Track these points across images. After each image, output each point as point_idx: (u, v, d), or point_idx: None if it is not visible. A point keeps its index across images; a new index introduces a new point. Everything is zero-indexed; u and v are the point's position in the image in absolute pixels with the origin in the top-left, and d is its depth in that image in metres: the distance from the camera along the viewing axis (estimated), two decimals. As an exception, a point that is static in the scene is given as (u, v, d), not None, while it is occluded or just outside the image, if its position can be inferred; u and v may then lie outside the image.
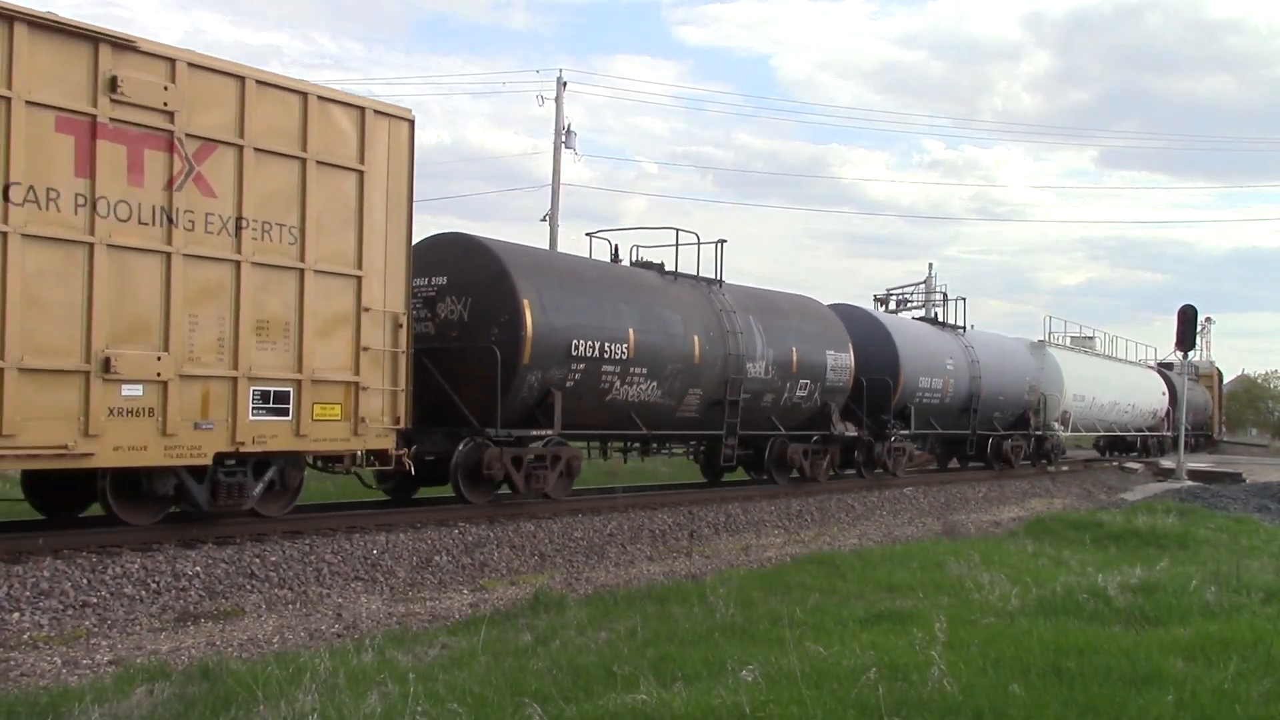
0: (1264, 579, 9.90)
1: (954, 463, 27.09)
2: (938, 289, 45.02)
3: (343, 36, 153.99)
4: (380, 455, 12.09)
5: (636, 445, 17.32)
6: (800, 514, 17.68)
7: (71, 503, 11.64)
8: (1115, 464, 33.95)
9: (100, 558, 9.94)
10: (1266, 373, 79.57)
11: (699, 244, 17.50)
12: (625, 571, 12.60)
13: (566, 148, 35.12)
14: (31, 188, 9.31)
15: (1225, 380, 64.47)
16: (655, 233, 16.68)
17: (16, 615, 8.74)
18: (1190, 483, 27.78)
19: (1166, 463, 33.45)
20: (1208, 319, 71.29)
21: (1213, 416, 50.30)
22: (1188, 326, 31.20)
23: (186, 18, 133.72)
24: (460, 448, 13.42)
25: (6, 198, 9.15)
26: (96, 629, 8.84)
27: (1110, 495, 26.11)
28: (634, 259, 17.38)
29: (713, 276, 17.71)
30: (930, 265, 49.29)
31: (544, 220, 34.97)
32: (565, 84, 35.36)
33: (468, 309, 13.84)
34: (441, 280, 13.86)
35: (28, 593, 9.00)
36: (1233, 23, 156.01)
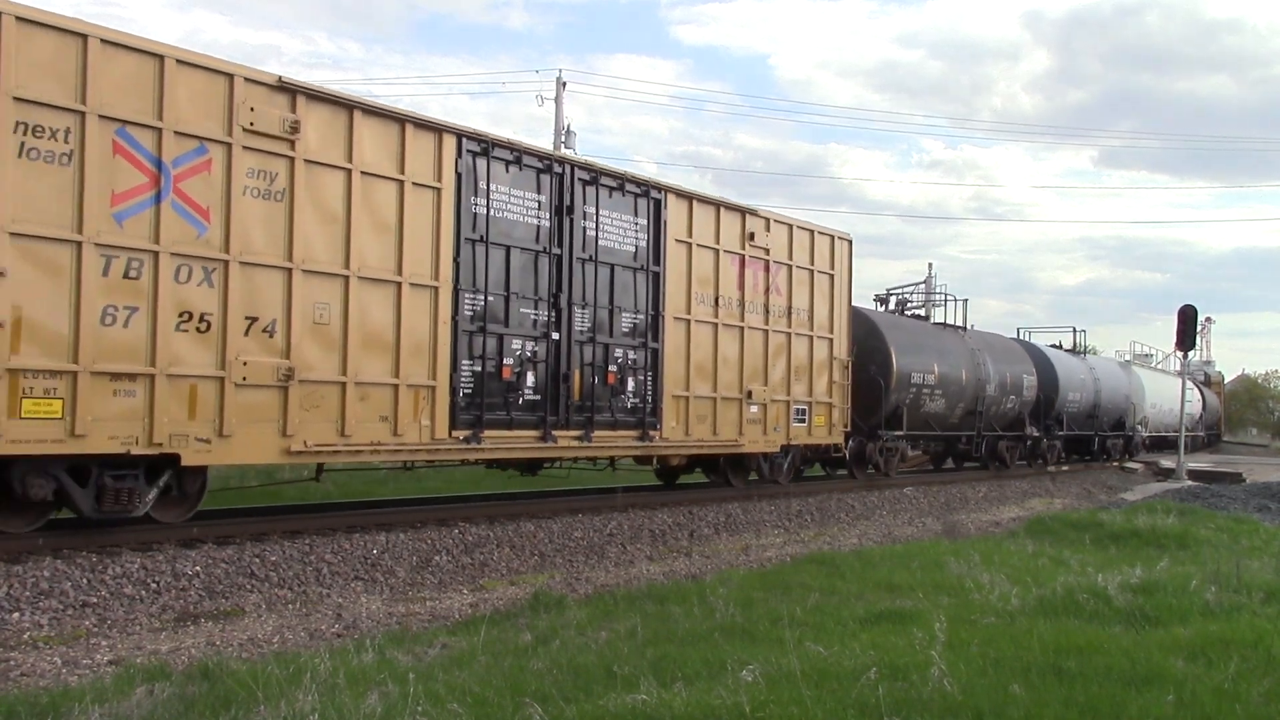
0: (1264, 579, 9.89)
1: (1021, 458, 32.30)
2: (937, 289, 45.40)
3: (341, 37, 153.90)
4: (836, 447, 19.63)
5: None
6: (800, 514, 17.68)
7: (677, 475, 18.54)
8: (1115, 464, 33.99)
9: (100, 558, 9.95)
10: (1266, 373, 79.68)
11: (958, 300, 26.21)
12: (625, 571, 12.60)
13: (566, 148, 35.16)
14: (722, 297, 16.68)
15: (1225, 380, 65.19)
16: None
17: (16, 615, 8.74)
18: (1190, 483, 27.76)
19: (1166, 462, 33.43)
20: (1208, 319, 71.51)
21: (1220, 418, 52.43)
22: (1188, 326, 31.16)
23: (185, 17, 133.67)
24: (849, 443, 20.34)
25: (717, 303, 16.52)
26: (96, 629, 8.84)
27: (1110, 495, 26.10)
28: (887, 308, 24.98)
29: (961, 324, 25.75)
30: (930, 265, 49.57)
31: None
32: (565, 84, 35.42)
33: (853, 354, 20.27)
34: None
35: (28, 593, 9.01)
36: (1231, 22, 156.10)
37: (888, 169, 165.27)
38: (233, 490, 17.14)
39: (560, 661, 6.94)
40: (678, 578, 11.85)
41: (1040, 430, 28.27)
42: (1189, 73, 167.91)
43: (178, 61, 10.26)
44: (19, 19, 9.22)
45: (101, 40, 9.73)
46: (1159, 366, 44.48)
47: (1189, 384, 43.63)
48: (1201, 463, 35.92)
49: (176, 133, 10.23)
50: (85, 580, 9.42)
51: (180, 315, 10.29)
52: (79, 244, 9.58)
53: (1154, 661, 6.74)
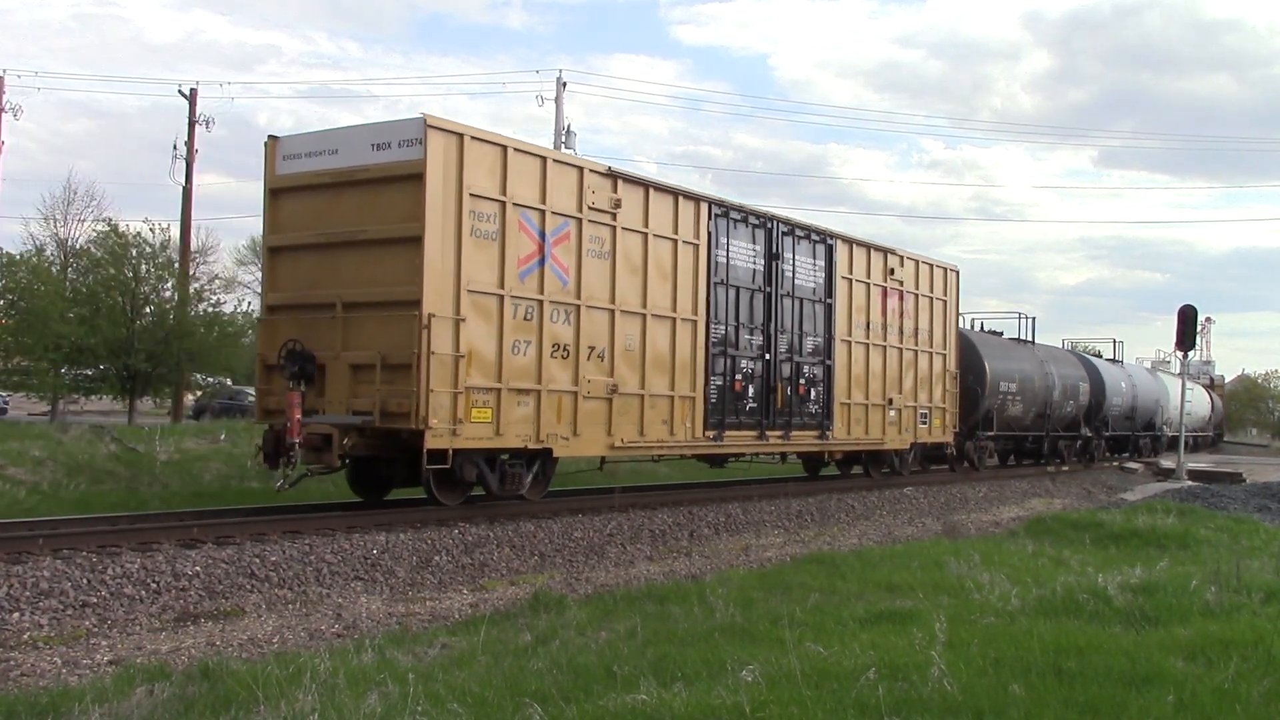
0: (1264, 579, 9.87)
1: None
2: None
3: (340, 37, 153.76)
4: (948, 444, 23.81)
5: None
6: (800, 514, 17.67)
7: (819, 467, 22.38)
8: (1116, 464, 33.97)
9: (100, 558, 9.95)
10: (1266, 373, 79.54)
11: (1028, 318, 30.59)
12: (625, 571, 12.60)
13: (566, 148, 35.12)
14: (871, 322, 20.51)
15: (1225, 382, 65.78)
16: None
17: (16, 615, 8.74)
18: (1190, 483, 27.72)
19: (1166, 462, 33.39)
20: (1208, 319, 71.50)
21: (1223, 419, 53.69)
22: (1188, 326, 31.12)
23: (185, 17, 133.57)
24: (951, 440, 24.06)
25: (868, 327, 20.37)
26: (96, 629, 8.84)
27: (1110, 495, 26.08)
28: (970, 326, 28.54)
29: (1030, 339, 30.06)
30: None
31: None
32: (565, 84, 35.40)
33: (959, 366, 24.39)
34: None
35: (28, 593, 9.00)
36: (1231, 22, 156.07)
37: (888, 169, 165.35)
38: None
39: (560, 661, 6.93)
40: (678, 578, 11.84)
41: (1091, 430, 32.21)
42: (1189, 73, 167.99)
43: (554, 160, 14.17)
44: (472, 138, 12.90)
45: (514, 149, 13.44)
46: (1176, 372, 47.39)
47: (1200, 387, 48.73)
48: (1201, 463, 35.88)
49: (552, 212, 13.91)
50: (85, 580, 9.41)
51: (553, 346, 13.94)
52: (501, 296, 13.23)
53: (1154, 661, 6.73)
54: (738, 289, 17.16)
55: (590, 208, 14.42)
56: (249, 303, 43.63)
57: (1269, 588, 9.30)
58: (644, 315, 15.31)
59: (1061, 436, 30.51)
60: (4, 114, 36.60)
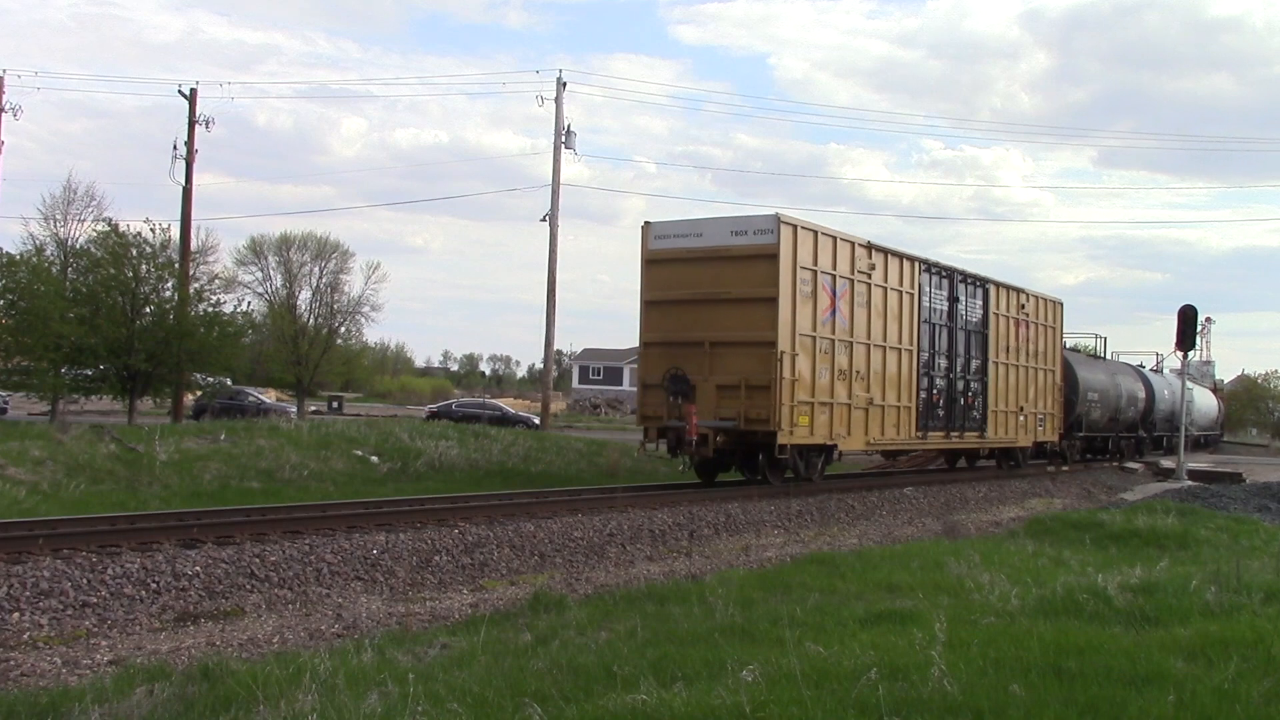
0: (1264, 579, 9.86)
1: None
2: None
3: (339, 36, 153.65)
4: (1054, 443, 29.36)
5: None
6: (800, 514, 17.67)
7: (957, 460, 27.84)
8: (1115, 464, 33.99)
9: (100, 558, 9.95)
10: (1266, 373, 79.48)
11: (1100, 338, 37.32)
12: (625, 571, 12.59)
13: (566, 148, 35.11)
14: (1010, 346, 26.06)
15: (1224, 383, 66.22)
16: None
17: (16, 615, 8.74)
18: (1190, 483, 27.72)
19: (1167, 463, 33.40)
20: (1208, 319, 71.50)
21: (1224, 420, 54.36)
22: (1188, 326, 31.10)
23: (183, 18, 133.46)
24: (1057, 440, 29.45)
25: (1008, 351, 26.00)
26: (96, 629, 8.84)
27: (1110, 495, 26.09)
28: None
29: (1104, 353, 37.17)
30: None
31: (544, 220, 34.99)
32: (565, 84, 35.37)
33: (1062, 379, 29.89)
34: None
35: (28, 593, 9.01)
36: (1231, 21, 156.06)
37: (888, 169, 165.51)
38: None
39: (560, 662, 6.93)
40: (678, 578, 11.83)
41: (1145, 431, 37.04)
42: (1189, 72, 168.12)
43: (840, 239, 19.41)
44: (801, 227, 18.43)
45: (821, 233, 18.89)
46: (1191, 375, 50.11)
47: (1208, 391, 52.20)
48: (1201, 463, 35.92)
49: (839, 275, 19.26)
50: (85, 580, 9.41)
51: (838, 371, 19.27)
52: (813, 337, 18.64)
53: (1154, 661, 6.72)
54: (933, 325, 22.65)
55: (858, 270, 19.79)
56: (249, 302, 43.66)
57: (1269, 588, 9.29)
58: (884, 347, 20.64)
59: (1123, 436, 35.74)
60: (4, 114, 36.60)
